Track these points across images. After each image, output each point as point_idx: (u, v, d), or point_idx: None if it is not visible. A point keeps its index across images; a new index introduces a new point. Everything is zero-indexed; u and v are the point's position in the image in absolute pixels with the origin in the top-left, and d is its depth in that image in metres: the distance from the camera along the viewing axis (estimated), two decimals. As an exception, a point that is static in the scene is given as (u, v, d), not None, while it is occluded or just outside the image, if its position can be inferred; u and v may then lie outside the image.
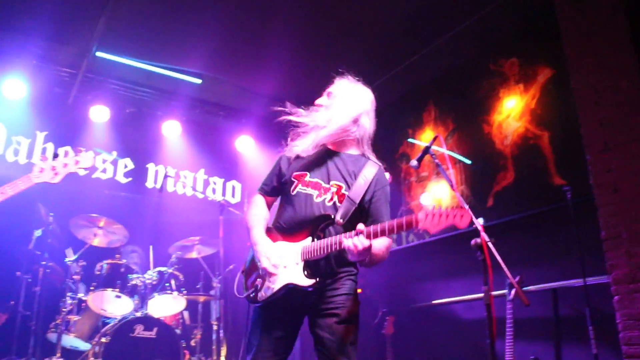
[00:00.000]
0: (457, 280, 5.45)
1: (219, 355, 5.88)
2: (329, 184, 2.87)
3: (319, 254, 2.70)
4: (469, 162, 5.65)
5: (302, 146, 2.99)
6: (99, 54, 6.51)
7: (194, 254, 6.50)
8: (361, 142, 3.08)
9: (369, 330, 5.89)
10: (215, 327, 6.10)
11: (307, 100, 7.32)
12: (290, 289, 2.71)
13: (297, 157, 3.01)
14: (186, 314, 6.44)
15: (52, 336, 5.77)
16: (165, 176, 6.55)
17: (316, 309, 2.82)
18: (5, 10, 5.70)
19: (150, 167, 8.04)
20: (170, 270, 6.04)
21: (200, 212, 7.66)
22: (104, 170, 7.65)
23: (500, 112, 5.47)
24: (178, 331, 5.70)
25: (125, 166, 7.85)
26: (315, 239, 2.74)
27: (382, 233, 2.56)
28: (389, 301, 6.00)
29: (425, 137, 6.39)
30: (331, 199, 2.84)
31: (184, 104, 7.73)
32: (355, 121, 3.02)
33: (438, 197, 6.05)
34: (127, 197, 7.75)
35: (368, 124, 3.09)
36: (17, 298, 5.93)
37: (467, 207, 2.59)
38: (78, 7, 5.68)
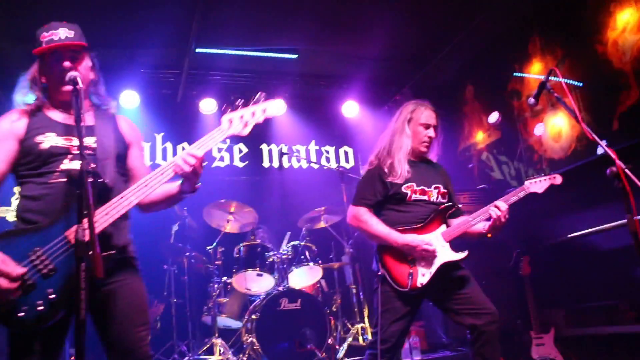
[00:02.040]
0: (591, 210, 5.21)
1: (361, 316, 6.06)
2: (430, 187, 3.59)
3: (458, 233, 3.40)
4: (579, 84, 5.38)
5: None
6: (198, 50, 6.75)
7: (322, 224, 6.65)
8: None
9: (505, 272, 5.81)
10: (354, 291, 6.29)
11: (410, 57, 7.34)
12: (444, 266, 3.32)
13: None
14: (323, 282, 6.66)
15: (206, 319, 6.21)
16: (281, 154, 6.73)
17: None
18: (111, 28, 6.06)
19: (264, 147, 8.30)
20: (302, 243, 6.21)
21: (320, 183, 7.84)
22: (221, 159, 7.99)
23: (614, 28, 5.11)
24: (319, 299, 5.89)
25: (240, 151, 8.15)
26: (446, 225, 3.47)
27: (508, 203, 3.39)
28: (522, 241, 5.87)
29: (533, 70, 6.12)
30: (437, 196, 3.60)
31: (285, 81, 7.87)
32: None
33: (557, 128, 5.82)
34: (248, 180, 8.06)
35: None
36: (168, 288, 6.42)
37: (594, 136, 2.66)
38: (172, 11, 5.91)
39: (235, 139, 7.85)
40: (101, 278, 1.87)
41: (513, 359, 5.26)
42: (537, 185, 3.47)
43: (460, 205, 3.70)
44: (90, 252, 1.87)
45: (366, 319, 5.97)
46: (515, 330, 5.51)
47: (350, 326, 6.15)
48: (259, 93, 2.69)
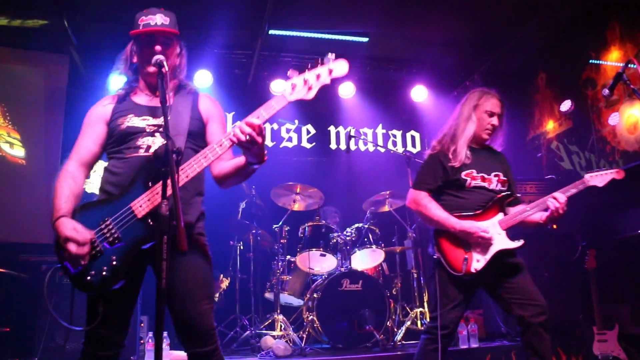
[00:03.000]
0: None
1: (421, 301, 6.10)
2: (490, 175, 3.60)
3: (515, 222, 3.41)
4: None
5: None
6: (271, 31, 6.89)
7: (386, 208, 6.69)
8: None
9: (570, 265, 5.71)
10: (414, 275, 6.33)
11: (480, 43, 7.24)
12: (499, 254, 3.34)
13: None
14: (385, 265, 6.72)
15: (269, 295, 6.39)
16: (348, 136, 6.78)
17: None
18: (187, 9, 6.25)
19: (331, 129, 8.39)
20: (366, 226, 6.27)
21: (386, 166, 7.91)
22: (289, 139, 8.14)
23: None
24: (380, 282, 5.95)
25: (308, 132, 8.28)
26: (504, 214, 3.48)
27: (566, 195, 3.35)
28: (588, 234, 5.76)
29: (610, 58, 5.94)
30: (496, 184, 3.61)
31: (354, 64, 7.88)
32: None
33: (633, 119, 5.65)
34: (315, 161, 8.20)
35: None
36: (234, 264, 6.64)
37: None
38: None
39: (304, 119, 8.12)
40: (185, 250, 1.98)
41: (574, 353, 5.20)
42: (598, 178, 3.40)
43: (519, 195, 3.70)
44: (174, 226, 2.00)
45: (425, 304, 6.01)
46: (577, 324, 5.43)
47: (409, 310, 6.21)
48: (328, 53, 2.56)
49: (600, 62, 6.08)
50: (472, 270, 3.34)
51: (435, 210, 3.48)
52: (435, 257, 3.48)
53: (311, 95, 2.49)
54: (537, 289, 3.39)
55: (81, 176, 2.64)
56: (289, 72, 2.54)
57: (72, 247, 2.30)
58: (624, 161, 5.67)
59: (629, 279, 5.53)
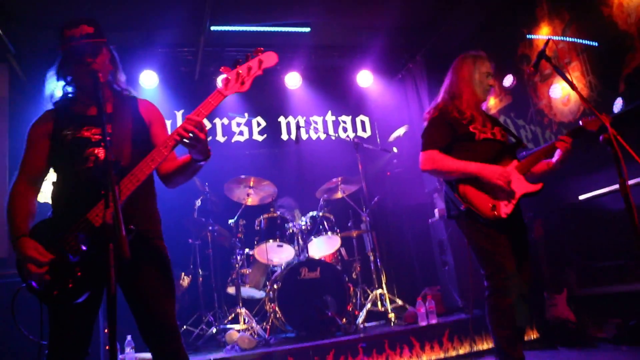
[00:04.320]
0: (601, 172, 5.26)
1: (380, 283, 6.24)
2: (493, 129, 3.67)
3: (530, 163, 3.58)
4: (595, 44, 5.40)
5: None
6: (213, 28, 6.91)
7: (339, 194, 6.79)
8: None
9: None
10: (372, 258, 6.46)
11: (420, 25, 7.34)
12: (523, 197, 3.46)
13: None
14: (343, 251, 6.83)
15: (231, 290, 6.45)
16: (298, 126, 6.87)
17: None
18: (127, 10, 6.26)
19: (282, 120, 8.44)
20: (321, 214, 6.36)
21: (337, 153, 7.99)
22: (240, 133, 8.16)
23: (619, -11, 5.13)
24: (339, 267, 6.04)
25: (259, 124, 8.31)
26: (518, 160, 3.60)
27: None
28: (533, 205, 5.96)
29: (541, 34, 6.14)
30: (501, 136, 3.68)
31: (299, 54, 7.96)
32: None
33: (565, 92, 5.86)
34: (267, 153, 8.24)
35: None
36: (194, 262, 6.69)
37: (589, 104, 2.78)
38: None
39: (254, 112, 8.16)
40: (128, 257, 2.01)
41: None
42: (593, 124, 3.61)
43: (528, 144, 3.83)
44: (116, 234, 2.05)
45: (384, 286, 6.14)
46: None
47: (370, 292, 6.33)
48: (256, 48, 2.73)
49: (533, 36, 6.27)
50: (503, 214, 3.39)
51: (453, 161, 3.52)
52: (462, 208, 3.48)
53: (245, 87, 2.64)
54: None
55: (33, 195, 2.67)
56: (221, 68, 2.66)
57: (33, 267, 2.36)
58: (561, 132, 5.87)
59: (573, 244, 5.74)
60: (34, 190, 2.68)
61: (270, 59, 2.72)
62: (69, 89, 2.79)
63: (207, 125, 7.69)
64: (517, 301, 3.31)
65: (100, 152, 2.61)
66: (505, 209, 3.40)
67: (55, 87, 2.80)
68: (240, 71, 2.65)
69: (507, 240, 3.41)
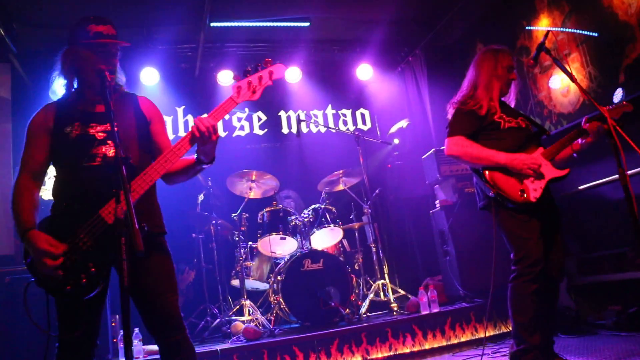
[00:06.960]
0: (600, 162, 5.31)
1: (382, 273, 6.31)
2: (517, 118, 3.74)
3: (556, 149, 3.60)
4: (595, 34, 5.43)
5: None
6: (213, 24, 6.95)
7: (340, 187, 6.86)
8: None
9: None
10: (374, 249, 6.53)
11: (420, 19, 7.36)
12: (550, 182, 3.54)
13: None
14: (345, 242, 6.92)
15: (235, 282, 6.53)
16: (299, 120, 6.93)
17: None
18: (129, 8, 6.29)
19: (282, 114, 8.49)
20: (323, 206, 6.41)
21: (337, 146, 8.07)
22: (241, 128, 8.21)
23: (619, -21, 5.15)
24: (341, 258, 6.11)
25: (259, 119, 8.36)
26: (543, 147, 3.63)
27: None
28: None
29: (541, 25, 6.16)
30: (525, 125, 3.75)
31: (299, 48, 8.02)
32: None
33: (565, 83, 5.91)
34: (268, 147, 8.31)
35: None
36: (198, 255, 6.76)
37: (589, 95, 2.82)
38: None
39: (254, 107, 8.21)
40: (142, 251, 2.07)
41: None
42: (614, 111, 3.57)
43: (551, 133, 3.82)
44: (129, 229, 2.12)
45: (386, 276, 6.22)
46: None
47: (372, 283, 6.40)
48: (265, 59, 2.83)
49: (532, 27, 6.30)
50: (532, 199, 3.46)
51: (480, 148, 3.59)
52: (491, 194, 3.54)
53: (256, 96, 2.76)
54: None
55: (36, 189, 2.70)
56: (232, 76, 2.77)
57: (49, 260, 2.39)
58: (561, 123, 5.93)
59: (573, 233, 5.80)
60: (37, 184, 2.71)
61: (280, 70, 2.84)
62: (71, 82, 2.81)
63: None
64: (539, 289, 3.40)
65: (108, 150, 2.65)
66: (534, 193, 3.47)
67: (57, 79, 2.82)
68: (252, 80, 2.76)
69: (538, 225, 3.49)
